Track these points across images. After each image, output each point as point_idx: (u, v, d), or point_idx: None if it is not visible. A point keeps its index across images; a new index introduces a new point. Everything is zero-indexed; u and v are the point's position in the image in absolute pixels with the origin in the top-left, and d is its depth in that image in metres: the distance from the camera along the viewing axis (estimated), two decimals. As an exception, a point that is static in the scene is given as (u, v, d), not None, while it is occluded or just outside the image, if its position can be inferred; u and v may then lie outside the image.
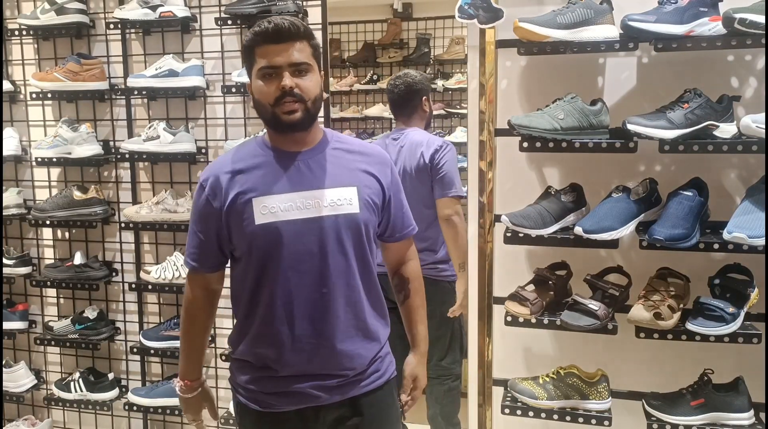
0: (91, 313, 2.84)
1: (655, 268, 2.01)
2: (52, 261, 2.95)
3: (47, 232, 2.99)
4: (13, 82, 2.89)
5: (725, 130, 1.81)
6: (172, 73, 2.60)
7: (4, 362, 2.91)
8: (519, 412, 2.06)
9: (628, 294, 2.03)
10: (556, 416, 2.03)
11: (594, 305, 1.93)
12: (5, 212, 2.81)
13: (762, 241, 1.71)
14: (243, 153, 1.58)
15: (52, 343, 2.88)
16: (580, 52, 1.91)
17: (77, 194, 2.74)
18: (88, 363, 2.99)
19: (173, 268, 2.68)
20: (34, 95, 2.78)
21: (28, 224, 2.88)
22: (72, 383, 2.86)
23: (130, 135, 2.79)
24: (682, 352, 2.03)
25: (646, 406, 1.98)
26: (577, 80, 2.07)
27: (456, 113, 4.44)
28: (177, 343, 2.71)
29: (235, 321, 1.63)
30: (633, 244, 1.97)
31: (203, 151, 2.73)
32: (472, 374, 2.22)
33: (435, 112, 4.44)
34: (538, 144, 1.90)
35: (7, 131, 2.83)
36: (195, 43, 2.72)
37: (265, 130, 1.60)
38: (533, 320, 1.99)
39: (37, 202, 2.87)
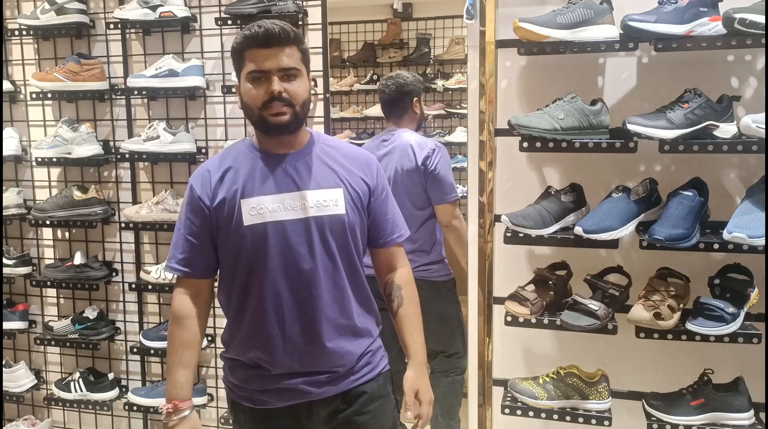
0: (91, 313, 2.84)
1: (655, 268, 2.01)
2: (52, 261, 2.95)
3: (47, 232, 2.99)
4: (13, 82, 2.89)
5: (725, 130, 1.81)
6: (172, 73, 2.60)
7: (4, 362, 2.91)
8: (519, 412, 2.06)
9: (628, 294, 2.03)
10: (556, 416, 2.03)
11: (594, 305, 1.93)
12: (5, 212, 2.81)
13: (762, 241, 1.71)
14: (231, 155, 1.60)
15: (52, 343, 2.88)
16: (580, 52, 1.91)
17: (77, 194, 2.74)
18: (88, 363, 2.99)
19: (173, 268, 2.68)
20: (34, 95, 2.78)
21: (28, 224, 2.88)
22: (72, 383, 2.86)
23: (130, 135, 2.79)
24: (682, 352, 2.03)
25: (646, 406, 1.98)
26: (577, 80, 2.07)
27: (456, 113, 4.45)
28: (177, 343, 2.71)
29: (225, 321, 1.64)
30: (633, 244, 1.97)
31: (203, 151, 2.73)
32: (472, 374, 2.22)
33: (435, 112, 4.45)
34: (538, 144, 1.90)
35: (7, 131, 2.83)
36: (195, 43, 2.72)
37: (252, 135, 1.62)
38: (533, 320, 1.99)
39: (37, 202, 2.87)
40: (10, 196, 2.84)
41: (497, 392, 2.15)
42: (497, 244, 2.09)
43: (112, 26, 2.69)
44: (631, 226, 1.90)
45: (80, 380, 2.85)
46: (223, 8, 2.60)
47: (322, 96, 2.61)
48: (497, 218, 2.03)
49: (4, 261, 2.85)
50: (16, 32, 2.78)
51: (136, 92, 2.66)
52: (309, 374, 1.55)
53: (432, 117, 4.53)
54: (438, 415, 2.79)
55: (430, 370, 2.67)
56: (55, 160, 2.74)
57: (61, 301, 3.03)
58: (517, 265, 2.21)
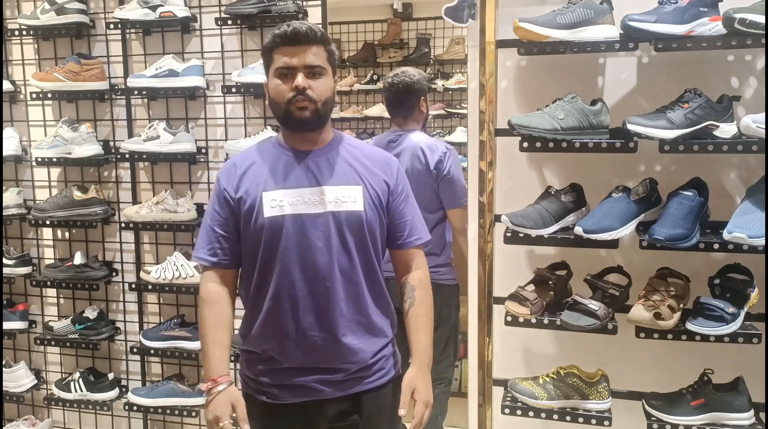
0: (91, 313, 2.84)
1: (655, 268, 2.01)
2: (52, 261, 2.95)
3: (47, 232, 2.99)
4: (13, 82, 2.89)
5: (725, 130, 1.81)
6: (172, 73, 2.60)
7: (4, 362, 2.92)
8: (519, 412, 2.06)
9: (628, 294, 2.03)
10: (556, 416, 2.03)
11: (594, 305, 1.93)
12: (5, 212, 2.81)
13: (762, 241, 1.71)
14: (257, 150, 1.67)
15: (52, 343, 2.88)
16: (580, 52, 1.91)
17: (77, 194, 2.74)
18: (88, 363, 2.99)
19: (173, 268, 2.68)
20: (34, 95, 2.78)
21: (28, 224, 2.88)
22: (72, 383, 2.86)
23: (130, 135, 2.79)
24: (682, 352, 2.03)
25: (646, 406, 1.98)
26: (577, 80, 2.07)
27: (456, 113, 4.44)
28: (177, 343, 2.71)
29: (243, 313, 1.68)
30: (633, 244, 1.97)
31: (203, 151, 2.73)
32: (472, 374, 2.22)
33: (435, 112, 4.45)
34: (538, 144, 1.90)
35: (7, 131, 2.83)
36: (195, 43, 2.72)
37: (277, 133, 1.67)
38: (533, 320, 1.99)
39: (37, 202, 2.87)
40: (10, 196, 2.84)
41: (497, 392, 2.15)
42: (497, 244, 2.09)
43: (112, 26, 2.69)
44: (631, 226, 1.90)
45: (80, 380, 2.85)
46: (223, 8, 2.60)
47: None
48: (497, 218, 2.03)
49: (4, 261, 2.85)
50: (16, 32, 2.78)
51: (136, 92, 2.66)
52: (321, 371, 1.59)
53: (432, 117, 4.52)
54: None
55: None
56: (55, 160, 2.74)
57: (61, 301, 3.04)
58: (517, 265, 2.21)
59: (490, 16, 1.95)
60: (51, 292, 3.02)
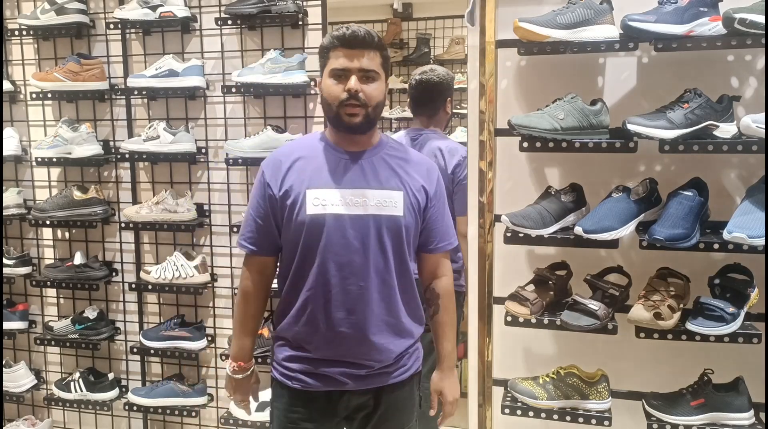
0: (91, 313, 2.84)
1: (655, 268, 2.01)
2: (52, 261, 2.95)
3: (47, 232, 2.99)
4: (13, 82, 2.89)
5: (725, 130, 1.81)
6: (172, 73, 2.60)
7: (4, 362, 2.91)
8: (519, 412, 2.06)
9: (628, 294, 2.03)
10: (556, 416, 2.03)
11: (594, 305, 1.93)
12: (5, 212, 2.81)
13: (762, 241, 1.71)
14: (303, 146, 1.71)
15: (52, 343, 2.88)
16: (580, 52, 1.91)
17: (77, 194, 2.74)
18: (88, 363, 2.99)
19: (173, 268, 2.68)
20: (34, 95, 2.78)
21: (28, 224, 2.88)
22: (72, 383, 2.86)
23: (130, 135, 2.79)
24: (682, 352, 2.03)
25: (646, 406, 1.98)
26: (577, 80, 2.07)
27: (456, 113, 4.44)
28: (177, 343, 2.72)
29: (278, 300, 1.75)
30: (633, 244, 1.97)
31: (203, 151, 2.73)
32: (472, 374, 2.22)
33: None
34: (538, 144, 1.90)
35: (7, 131, 2.83)
36: (195, 43, 2.72)
37: (326, 129, 1.73)
38: (533, 320, 1.99)
39: (37, 202, 2.87)
40: (10, 196, 2.84)
41: (497, 392, 2.15)
42: (497, 244, 2.09)
43: (112, 26, 2.69)
44: (631, 226, 1.90)
45: (80, 380, 2.85)
46: (223, 8, 2.60)
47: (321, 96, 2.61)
48: (497, 218, 2.03)
49: (4, 261, 2.85)
50: (16, 32, 2.78)
51: (136, 92, 2.66)
52: (347, 364, 1.64)
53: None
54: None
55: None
56: (55, 160, 2.74)
57: (61, 301, 3.03)
58: (517, 265, 2.21)
59: (490, 16, 1.95)
60: (51, 292, 3.02)
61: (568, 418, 2.02)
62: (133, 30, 2.75)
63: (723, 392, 1.92)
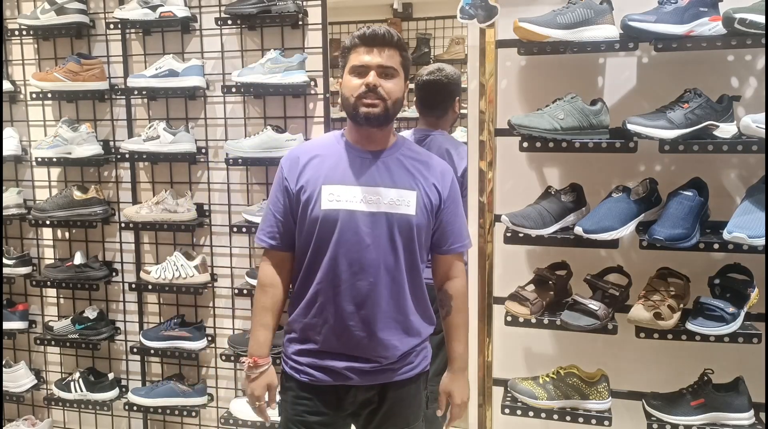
0: (91, 313, 2.84)
1: (655, 268, 2.01)
2: (52, 261, 2.95)
3: (47, 232, 2.99)
4: (13, 82, 2.89)
5: (725, 130, 1.81)
6: (172, 73, 2.60)
7: (4, 362, 2.91)
8: (519, 412, 2.06)
9: (628, 294, 2.03)
10: (556, 416, 2.03)
11: (594, 305, 1.93)
12: (5, 212, 2.81)
13: (762, 241, 1.71)
14: (321, 144, 1.77)
15: (52, 343, 2.88)
16: (580, 52, 1.91)
17: (77, 194, 2.74)
18: (88, 363, 2.99)
19: (173, 268, 2.68)
20: (34, 95, 2.77)
21: (28, 224, 2.88)
22: (72, 383, 2.86)
23: (130, 135, 2.79)
24: (682, 352, 2.03)
25: (646, 406, 1.98)
26: (577, 80, 2.07)
27: (459, 115, 4.43)
28: (177, 343, 2.72)
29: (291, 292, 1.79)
30: (633, 244, 1.97)
31: (203, 151, 2.73)
32: (472, 374, 2.22)
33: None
34: (538, 144, 1.90)
35: (7, 131, 2.83)
36: (195, 43, 2.72)
37: (344, 128, 1.76)
38: (533, 320, 1.99)
39: (37, 202, 2.87)
40: (10, 196, 2.84)
41: (497, 392, 2.15)
42: (497, 244, 2.09)
43: (112, 26, 2.69)
44: (631, 226, 1.90)
45: (80, 380, 2.85)
46: (223, 8, 2.60)
47: (321, 96, 2.61)
48: (497, 218, 2.03)
49: (4, 261, 2.85)
50: (16, 32, 2.78)
51: (136, 92, 2.66)
52: (353, 359, 1.67)
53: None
54: None
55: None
56: (55, 160, 2.74)
57: (61, 301, 3.03)
58: (517, 265, 2.21)
59: (490, 16, 1.95)
60: (51, 292, 3.02)
61: (568, 418, 2.02)
62: (133, 30, 2.74)
63: (723, 392, 1.92)
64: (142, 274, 2.74)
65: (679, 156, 1.85)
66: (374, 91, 1.60)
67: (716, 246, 1.80)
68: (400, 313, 1.68)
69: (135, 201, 2.83)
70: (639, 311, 1.88)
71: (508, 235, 1.98)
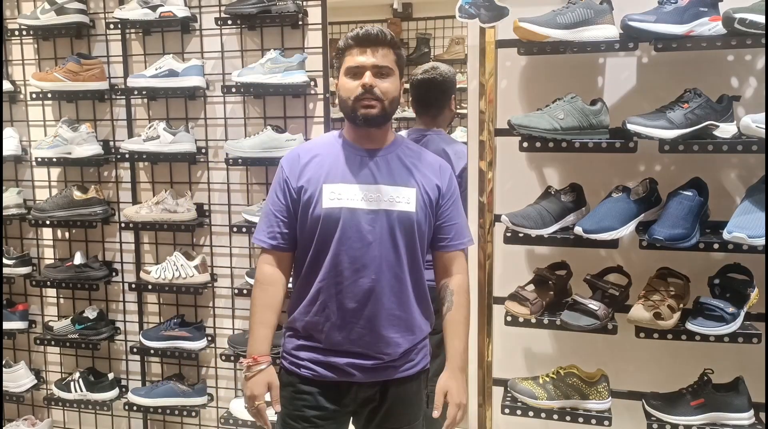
0: (91, 313, 2.84)
1: (655, 268, 2.01)
2: (52, 261, 2.95)
3: (47, 232, 2.99)
4: (13, 82, 2.89)
5: (725, 130, 1.81)
6: (172, 73, 2.60)
7: (4, 362, 2.91)
8: (519, 412, 2.06)
9: (628, 294, 2.03)
10: (556, 416, 2.03)
11: (594, 305, 1.93)
12: (5, 212, 2.81)
13: (762, 241, 1.71)
14: (321, 143, 1.77)
15: (52, 343, 2.88)
16: (580, 52, 1.91)
17: (77, 194, 2.74)
18: (88, 363, 2.99)
19: (173, 268, 2.68)
20: (34, 95, 2.77)
21: (28, 224, 2.88)
22: (72, 383, 2.86)
23: (130, 135, 2.79)
24: (682, 352, 2.03)
25: (646, 406, 1.98)
26: (577, 80, 2.07)
27: (456, 113, 4.43)
28: (177, 343, 2.72)
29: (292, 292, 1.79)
30: (633, 244, 1.97)
31: (203, 151, 2.73)
32: (472, 374, 2.22)
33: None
34: (538, 144, 1.90)
35: (7, 131, 2.83)
36: (195, 43, 2.72)
37: (342, 128, 1.76)
38: (533, 320, 1.99)
39: (37, 202, 2.86)
40: (10, 196, 2.84)
41: (497, 392, 2.15)
42: (497, 244, 2.09)
43: (112, 26, 2.69)
44: (631, 226, 1.90)
45: (80, 380, 2.85)
46: (223, 8, 2.60)
47: (321, 96, 2.61)
48: (497, 218, 2.03)
49: (4, 261, 2.85)
50: (16, 32, 2.78)
51: (136, 92, 2.66)
52: (355, 355, 1.67)
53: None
54: None
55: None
56: (55, 160, 2.74)
57: (61, 301, 3.03)
58: (517, 265, 2.21)
59: (490, 16, 1.95)
60: (51, 292, 3.01)
61: (568, 418, 2.02)
62: (133, 30, 2.74)
63: (723, 392, 1.92)
64: (142, 274, 2.74)
65: (679, 156, 1.85)
66: (371, 91, 1.61)
67: (716, 246, 1.80)
68: (403, 309, 1.69)
69: (135, 201, 2.83)
70: (639, 311, 1.88)
71: (508, 235, 1.98)
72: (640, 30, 1.81)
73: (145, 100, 2.79)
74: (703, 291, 1.94)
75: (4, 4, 2.85)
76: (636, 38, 1.85)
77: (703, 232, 1.87)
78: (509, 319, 2.02)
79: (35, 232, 2.98)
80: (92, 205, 2.75)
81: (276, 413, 1.76)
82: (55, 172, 2.94)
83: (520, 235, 1.96)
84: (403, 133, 2.59)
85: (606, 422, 1.99)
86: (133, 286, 2.78)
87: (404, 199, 1.66)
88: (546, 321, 1.99)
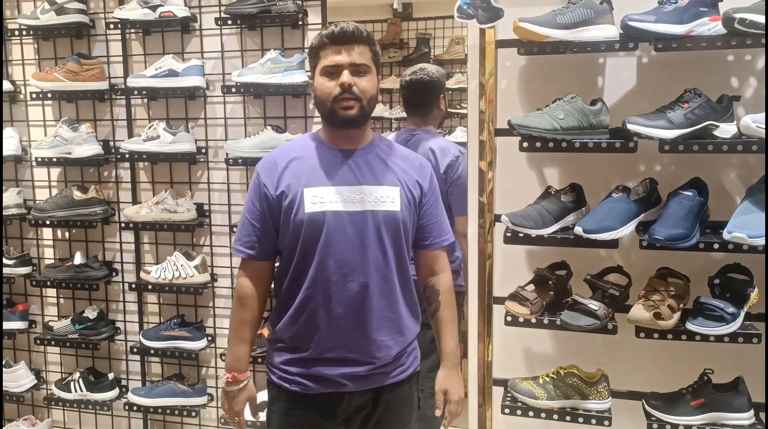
0: (91, 313, 2.84)
1: (655, 268, 2.01)
2: (52, 261, 2.95)
3: (47, 232, 2.99)
4: (13, 82, 2.89)
5: (725, 130, 1.81)
6: (172, 73, 2.60)
7: (4, 362, 2.91)
8: (519, 412, 2.06)
9: (628, 294, 2.03)
10: (556, 416, 2.03)
11: (594, 305, 1.93)
12: (5, 212, 2.81)
13: (762, 241, 1.71)
14: (298, 146, 1.71)
15: (52, 343, 2.88)
16: (580, 52, 1.91)
17: (77, 194, 2.74)
18: (88, 363, 2.99)
19: (173, 268, 2.68)
20: (34, 95, 2.78)
21: (28, 224, 2.88)
22: (72, 383, 2.86)
23: (130, 135, 2.79)
24: (682, 352, 2.03)
25: (646, 406, 1.98)
26: (577, 80, 2.07)
27: (456, 113, 4.44)
28: (177, 343, 2.72)
29: (275, 302, 1.74)
30: (633, 244, 1.97)
31: (203, 151, 2.73)
32: (472, 374, 2.22)
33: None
34: (538, 144, 1.90)
35: (7, 131, 2.83)
36: (195, 43, 2.72)
37: (319, 130, 1.71)
38: (533, 320, 1.99)
39: (37, 202, 2.87)
40: (10, 196, 2.84)
41: (497, 392, 2.15)
42: (497, 244, 2.09)
43: (112, 26, 2.69)
44: (631, 226, 1.90)
45: (80, 380, 2.85)
46: (223, 8, 2.60)
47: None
48: (497, 218, 2.03)
49: (4, 261, 2.85)
50: (16, 32, 2.78)
51: (136, 92, 2.66)
52: (347, 363, 1.63)
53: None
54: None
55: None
56: (55, 160, 2.74)
57: (61, 301, 3.03)
58: (517, 265, 2.21)
59: (490, 16, 1.95)
60: (51, 292, 3.02)
61: (568, 418, 2.02)
62: (133, 30, 2.75)
63: (723, 392, 1.92)
64: (142, 274, 2.74)
65: (679, 156, 1.85)
66: (349, 90, 1.57)
67: (716, 246, 1.80)
68: (392, 311, 1.66)
69: (135, 201, 2.83)
70: (639, 311, 1.88)
71: (508, 235, 1.98)
72: (640, 30, 1.81)
73: (145, 100, 2.79)
74: (703, 291, 1.94)
75: (4, 4, 2.85)
76: (636, 38, 1.85)
77: (703, 232, 1.86)
78: (509, 319, 2.02)
79: (35, 232, 2.98)
80: (92, 205, 2.75)
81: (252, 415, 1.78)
82: (55, 172, 2.94)
83: (520, 235, 1.96)
84: (393, 134, 2.67)
85: (606, 422, 1.99)
86: (133, 286, 2.78)
87: (389, 199, 1.63)
88: (546, 321, 1.98)
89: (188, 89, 2.61)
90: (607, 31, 1.87)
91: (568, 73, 2.08)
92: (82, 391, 2.84)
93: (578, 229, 1.88)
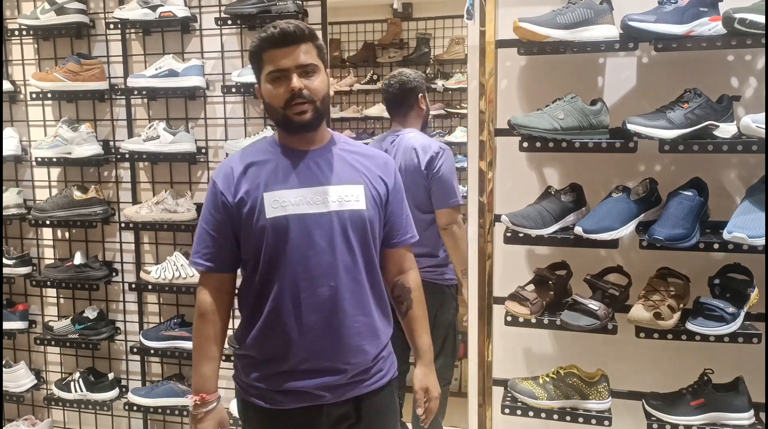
0: (91, 313, 2.84)
1: (655, 268, 2.01)
2: (52, 261, 2.95)
3: (47, 232, 2.99)
4: (13, 82, 2.89)
5: (725, 130, 1.81)
6: (172, 73, 2.60)
7: (4, 362, 2.91)
8: (519, 412, 2.06)
9: (628, 294, 2.03)
10: (556, 416, 2.03)
11: (594, 305, 1.93)
12: (5, 212, 2.81)
13: (762, 241, 1.71)
14: (254, 151, 1.63)
15: (52, 343, 2.88)
16: (580, 52, 1.91)
17: (77, 194, 2.74)
18: (88, 363, 2.99)
19: (173, 268, 2.68)
20: (34, 95, 2.78)
21: (28, 224, 2.88)
22: (72, 383, 2.86)
23: (130, 135, 2.79)
24: (682, 352, 2.03)
25: (646, 406, 1.98)
26: (577, 80, 2.07)
27: (456, 113, 4.44)
28: (177, 343, 2.71)
29: (240, 318, 1.65)
30: (633, 244, 1.97)
31: (203, 151, 2.73)
32: (472, 374, 2.22)
33: (435, 112, 4.44)
34: (538, 144, 1.90)
35: (7, 131, 2.83)
36: (195, 43, 2.72)
37: (274, 132, 1.65)
38: (533, 320, 1.99)
39: (37, 202, 2.87)
40: (10, 196, 2.84)
41: (497, 392, 2.15)
42: (497, 244, 2.09)
43: (112, 26, 2.69)
44: (631, 226, 1.90)
45: (80, 380, 2.85)
46: (223, 8, 2.60)
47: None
48: (497, 218, 2.03)
49: (4, 261, 2.85)
50: (16, 32, 2.78)
51: (136, 92, 2.66)
52: (323, 373, 1.55)
53: (432, 117, 4.51)
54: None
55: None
56: (55, 160, 2.74)
57: (61, 301, 3.03)
58: (517, 265, 2.21)
59: (490, 16, 1.95)
60: (51, 292, 3.02)
61: (568, 418, 2.02)
62: (133, 30, 2.75)
63: (723, 392, 1.92)
64: (142, 274, 2.74)
65: (679, 156, 1.85)
66: (300, 95, 1.49)
67: (716, 246, 1.80)
68: (365, 314, 1.58)
69: (135, 201, 2.83)
70: (639, 311, 1.88)
71: (508, 235, 1.98)
72: (640, 30, 1.81)
73: (145, 100, 2.79)
74: (703, 291, 1.94)
75: (4, 4, 2.85)
76: (636, 38, 1.85)
77: (703, 232, 1.86)
78: (509, 319, 2.02)
79: (35, 232, 2.98)
80: (92, 205, 2.75)
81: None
82: (55, 172, 2.94)
83: (520, 235, 1.96)
84: (377, 138, 2.76)
85: (606, 422, 1.99)
86: (133, 286, 2.78)
87: (353, 198, 1.56)
88: (546, 321, 1.98)
89: (188, 89, 2.61)
90: (607, 31, 1.87)
91: (568, 73, 2.08)
92: (82, 391, 2.84)
93: (578, 229, 1.88)
